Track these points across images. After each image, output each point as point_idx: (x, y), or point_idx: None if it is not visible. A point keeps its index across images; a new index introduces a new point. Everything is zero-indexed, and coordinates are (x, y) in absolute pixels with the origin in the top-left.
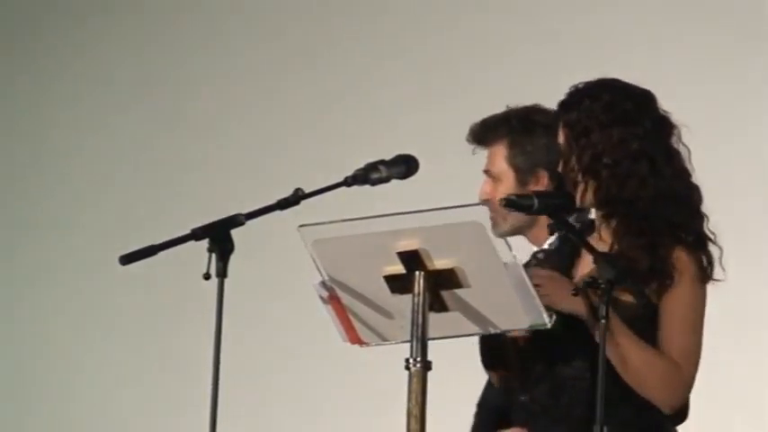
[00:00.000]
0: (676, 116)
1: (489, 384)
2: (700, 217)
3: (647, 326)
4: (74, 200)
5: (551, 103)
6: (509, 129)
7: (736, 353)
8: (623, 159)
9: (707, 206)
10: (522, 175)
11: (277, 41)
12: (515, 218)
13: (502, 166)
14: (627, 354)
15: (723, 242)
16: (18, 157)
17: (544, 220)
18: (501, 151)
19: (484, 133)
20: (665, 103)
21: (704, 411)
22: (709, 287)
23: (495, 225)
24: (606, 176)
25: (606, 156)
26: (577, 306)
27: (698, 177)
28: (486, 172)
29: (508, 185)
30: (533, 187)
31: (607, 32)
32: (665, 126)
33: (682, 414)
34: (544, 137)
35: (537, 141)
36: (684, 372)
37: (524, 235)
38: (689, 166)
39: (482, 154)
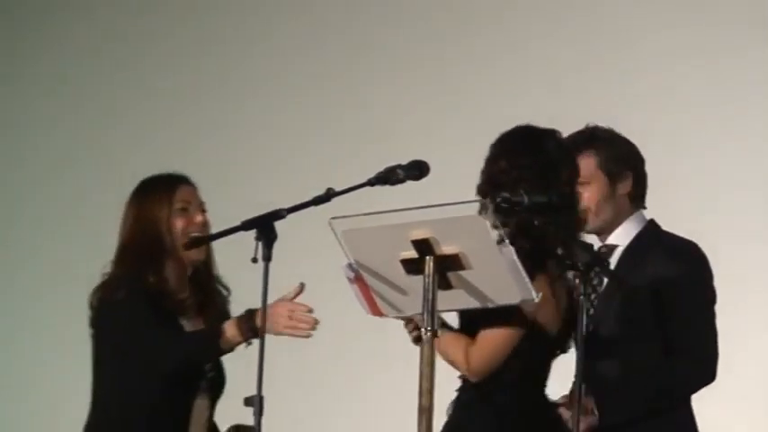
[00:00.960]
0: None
1: None
2: None
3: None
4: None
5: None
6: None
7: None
8: None
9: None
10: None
11: (314, 53)
12: (607, 215)
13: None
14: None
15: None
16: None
17: (625, 215)
18: (591, 160)
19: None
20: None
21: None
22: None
23: (591, 223)
24: None
25: None
26: None
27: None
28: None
29: (600, 189)
30: (621, 191)
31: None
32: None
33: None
34: (626, 145)
35: (622, 148)
36: None
37: (613, 229)
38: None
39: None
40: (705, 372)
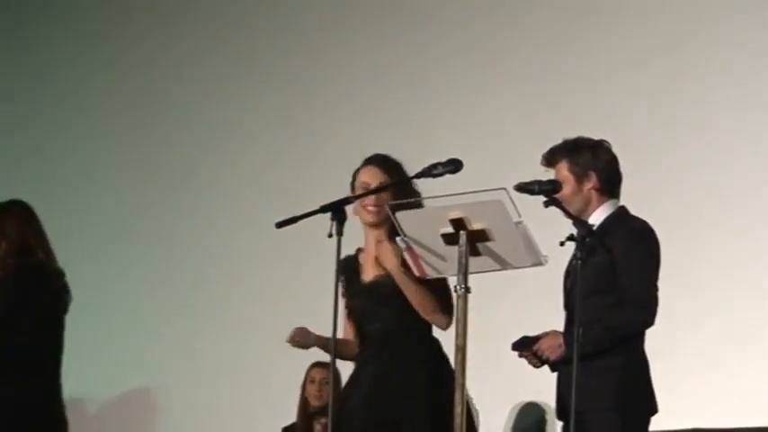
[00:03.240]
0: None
1: None
2: None
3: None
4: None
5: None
6: (566, 150)
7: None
8: None
9: None
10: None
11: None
12: (576, 206)
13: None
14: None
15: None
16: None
17: (594, 202)
18: (564, 165)
19: (550, 157)
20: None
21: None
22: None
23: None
24: None
25: None
26: None
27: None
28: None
29: (570, 186)
30: (587, 186)
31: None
32: None
33: None
34: (589, 152)
35: (585, 155)
36: None
37: (585, 215)
38: None
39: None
40: (646, 316)
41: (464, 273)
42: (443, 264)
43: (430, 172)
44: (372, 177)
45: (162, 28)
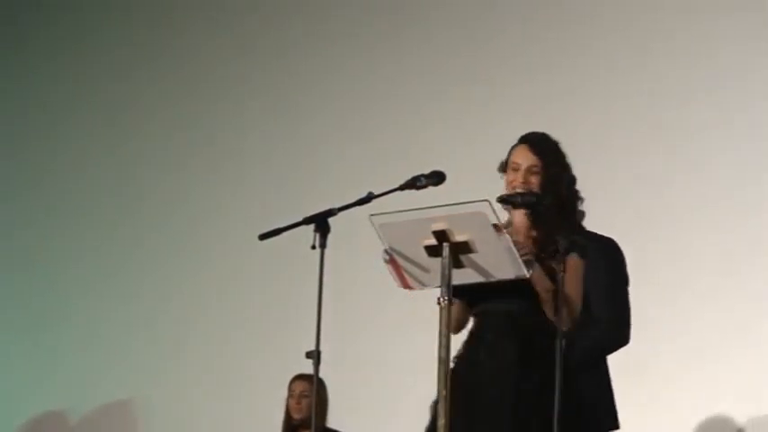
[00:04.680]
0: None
1: None
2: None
3: None
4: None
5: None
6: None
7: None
8: None
9: None
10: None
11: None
12: None
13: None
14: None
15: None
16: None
17: None
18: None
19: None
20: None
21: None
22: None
23: None
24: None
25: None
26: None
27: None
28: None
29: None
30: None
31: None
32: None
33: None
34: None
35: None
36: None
37: None
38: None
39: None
40: (620, 338)
41: (447, 284)
42: (427, 275)
43: (413, 184)
44: (524, 158)
45: (140, 36)
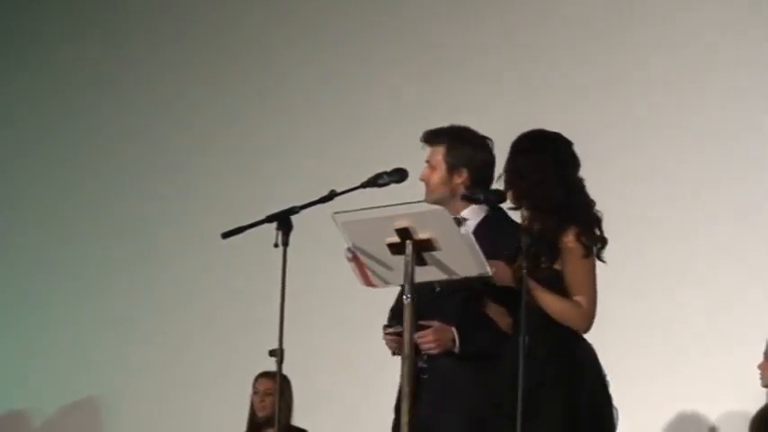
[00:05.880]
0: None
1: None
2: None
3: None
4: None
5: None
6: (448, 137)
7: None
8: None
9: None
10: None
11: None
12: (439, 194)
13: (439, 159)
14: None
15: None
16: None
17: (458, 198)
18: (441, 150)
19: (431, 137)
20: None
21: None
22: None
23: (426, 197)
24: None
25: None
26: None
27: None
28: (428, 162)
29: (440, 174)
30: (456, 180)
31: None
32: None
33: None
34: (470, 147)
35: (465, 149)
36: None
37: (445, 206)
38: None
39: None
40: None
41: (410, 282)
42: (390, 273)
43: (375, 181)
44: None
45: (123, 38)
